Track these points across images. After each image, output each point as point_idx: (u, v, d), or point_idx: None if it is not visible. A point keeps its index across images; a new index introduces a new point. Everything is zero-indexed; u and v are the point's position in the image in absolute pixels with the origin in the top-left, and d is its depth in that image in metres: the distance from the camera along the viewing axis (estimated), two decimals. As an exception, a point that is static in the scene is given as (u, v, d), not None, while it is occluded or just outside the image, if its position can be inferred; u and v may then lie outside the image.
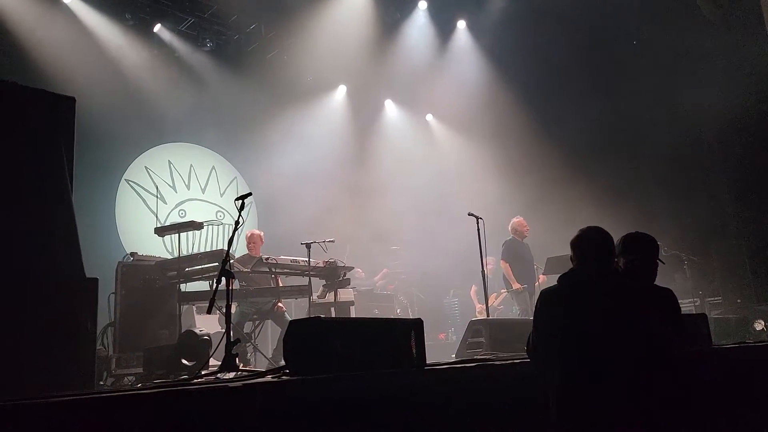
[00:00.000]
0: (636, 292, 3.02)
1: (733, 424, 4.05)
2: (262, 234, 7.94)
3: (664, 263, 3.44)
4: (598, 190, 10.21)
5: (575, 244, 3.14)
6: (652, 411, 2.71)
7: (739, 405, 4.18)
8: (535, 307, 3.18)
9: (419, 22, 11.91)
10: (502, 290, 9.71)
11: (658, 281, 3.40)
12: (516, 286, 8.53)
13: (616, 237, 3.47)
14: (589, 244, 3.10)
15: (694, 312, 8.05)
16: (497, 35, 11.56)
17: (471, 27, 12.18)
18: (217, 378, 3.94)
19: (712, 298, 9.38)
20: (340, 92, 12.91)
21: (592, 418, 2.75)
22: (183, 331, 5.97)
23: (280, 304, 7.22)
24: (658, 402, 2.74)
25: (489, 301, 9.65)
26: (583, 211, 9.22)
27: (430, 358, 3.76)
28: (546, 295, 3.13)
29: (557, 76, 11.08)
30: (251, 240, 7.76)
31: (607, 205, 9.55)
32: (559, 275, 3.19)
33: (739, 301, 9.08)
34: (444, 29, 12.18)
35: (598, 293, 2.95)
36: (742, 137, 10.11)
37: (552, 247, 8.65)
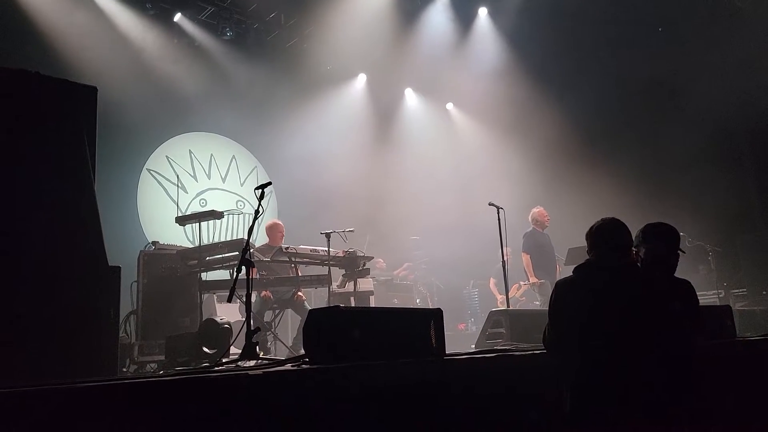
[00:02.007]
0: (653, 284, 2.98)
1: (756, 415, 4.00)
2: (282, 225, 7.96)
3: (684, 252, 3.37)
4: (622, 180, 10.10)
5: (590, 235, 3.11)
6: (670, 403, 2.67)
7: (763, 397, 4.12)
8: (550, 299, 3.14)
9: (440, 9, 11.80)
10: (524, 282, 9.66)
11: (682, 273, 3.34)
12: (533, 279, 8.48)
13: (640, 227, 3.42)
14: (604, 235, 3.07)
15: (719, 304, 7.95)
16: (519, 23, 11.42)
17: (492, 14, 12.05)
18: (238, 366, 3.97)
19: (737, 290, 9.25)
20: (360, 81, 12.87)
21: (606, 409, 2.72)
22: (204, 319, 6.01)
23: (299, 293, 7.24)
24: (676, 395, 2.69)
25: (511, 292, 9.65)
26: (607, 201, 9.13)
27: (450, 348, 3.75)
28: (561, 286, 3.10)
29: (580, 64, 10.95)
30: (271, 230, 7.79)
31: (630, 196, 9.45)
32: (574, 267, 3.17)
33: (764, 292, 8.95)
34: (465, 17, 12.07)
35: (614, 284, 2.92)
36: (768, 125, 9.93)
37: (574, 237, 8.58)
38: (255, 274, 7.24)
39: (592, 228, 3.13)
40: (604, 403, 2.73)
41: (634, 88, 10.63)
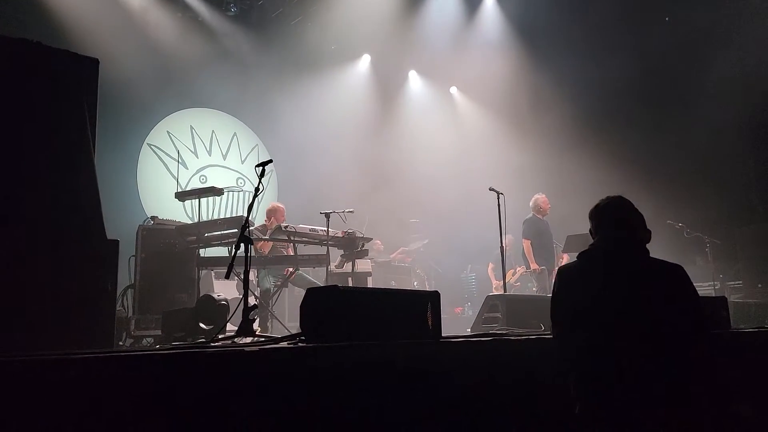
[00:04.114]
0: (656, 268, 2.88)
1: (749, 407, 4.02)
2: (283, 208, 7.92)
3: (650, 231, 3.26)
4: (624, 169, 10.08)
5: (595, 214, 2.97)
6: (672, 390, 2.65)
7: (756, 389, 4.15)
8: (553, 286, 3.03)
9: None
10: (519, 267, 9.67)
11: (680, 263, 3.32)
12: (534, 266, 8.48)
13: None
14: (609, 214, 2.93)
15: (714, 295, 7.97)
16: (526, 7, 11.34)
17: (500, -1, 11.98)
18: (234, 343, 3.99)
19: (733, 282, 9.29)
20: (364, 62, 12.78)
21: (612, 396, 2.69)
22: (201, 295, 6.03)
23: (290, 269, 7.20)
24: (677, 381, 2.67)
25: (506, 278, 9.67)
26: (607, 190, 9.10)
27: (446, 331, 3.76)
28: (564, 273, 3.01)
29: (585, 52, 10.87)
30: (273, 213, 7.75)
31: (631, 185, 9.42)
32: (578, 253, 3.10)
33: (759, 285, 8.98)
34: (471, 0, 11.99)
35: (617, 269, 2.80)
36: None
37: (573, 224, 8.59)
38: (266, 248, 7.24)
39: (598, 206, 2.98)
40: (609, 393, 2.70)
41: (640, 77, 10.57)
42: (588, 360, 2.77)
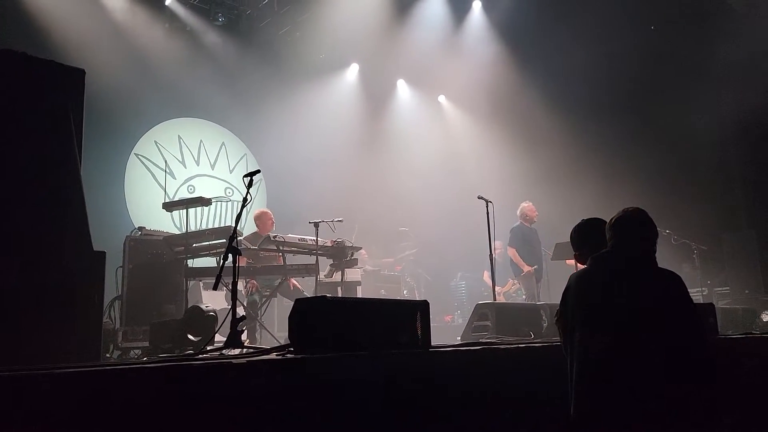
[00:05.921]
0: (665, 278, 2.87)
1: (736, 413, 4.04)
2: (270, 213, 7.91)
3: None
4: (611, 177, 10.15)
5: (615, 224, 2.99)
6: (675, 400, 2.66)
7: (744, 395, 4.17)
8: (565, 292, 3.04)
9: (435, 1, 11.77)
10: (515, 281, 9.66)
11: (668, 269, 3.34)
12: (527, 269, 8.49)
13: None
14: (632, 225, 2.97)
15: (702, 301, 8.03)
16: (513, 17, 11.42)
17: (486, 8, 12.03)
18: (222, 354, 3.96)
19: (720, 288, 9.35)
20: (353, 71, 12.81)
21: (612, 409, 2.69)
22: (189, 306, 5.99)
23: (294, 281, 7.21)
24: (682, 386, 2.68)
25: (506, 287, 9.70)
26: (594, 197, 9.17)
27: (436, 340, 3.76)
28: (577, 278, 3.00)
29: (573, 60, 10.96)
30: (260, 219, 7.72)
31: (618, 193, 9.49)
32: (590, 257, 3.07)
33: (746, 291, 9.06)
34: (459, 9, 12.05)
35: (632, 276, 2.84)
36: (757, 127, 10.00)
37: (562, 231, 8.58)
38: (244, 262, 7.22)
39: (615, 218, 3.01)
40: (610, 402, 2.70)
41: (626, 86, 10.66)
42: (596, 361, 2.78)
